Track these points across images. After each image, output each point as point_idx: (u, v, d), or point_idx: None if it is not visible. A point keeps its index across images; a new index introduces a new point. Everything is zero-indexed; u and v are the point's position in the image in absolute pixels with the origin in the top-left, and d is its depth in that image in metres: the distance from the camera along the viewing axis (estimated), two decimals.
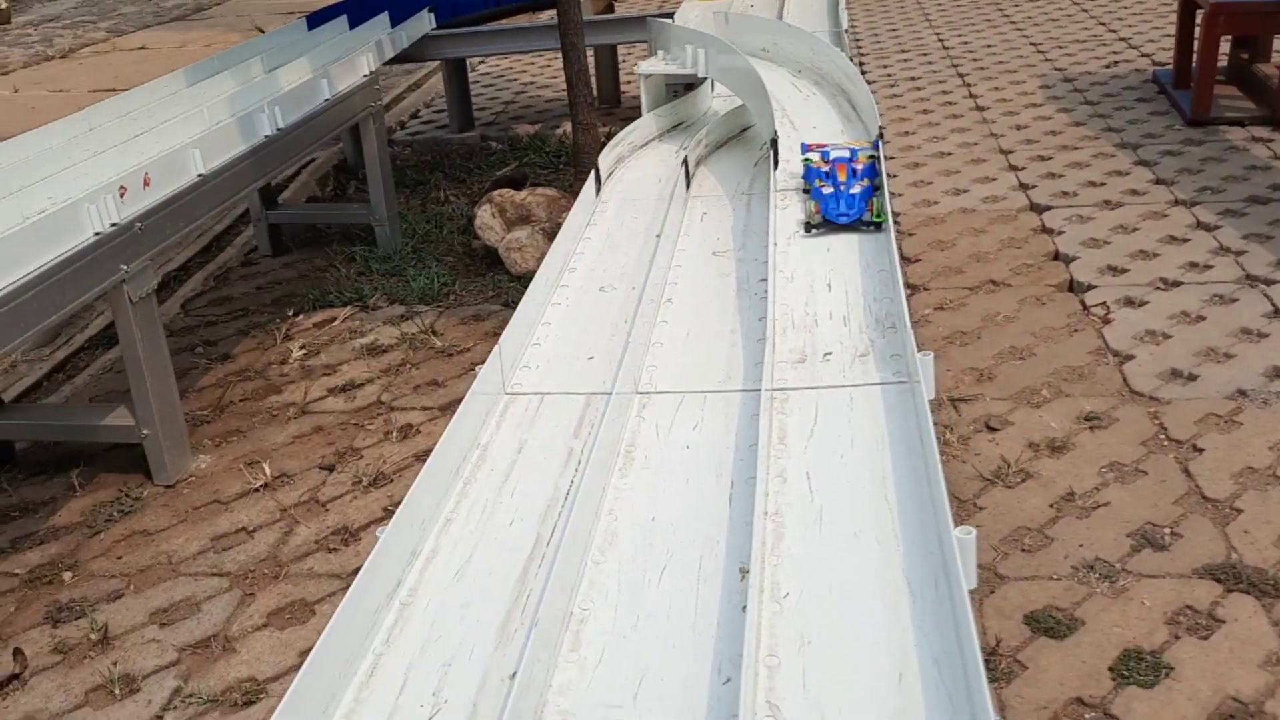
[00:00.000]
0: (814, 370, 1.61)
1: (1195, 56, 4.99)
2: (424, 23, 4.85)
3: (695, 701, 1.05)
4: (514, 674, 1.09)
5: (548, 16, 7.20)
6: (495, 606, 1.20)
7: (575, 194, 4.34)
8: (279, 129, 3.40)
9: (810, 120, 2.42)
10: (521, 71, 7.17)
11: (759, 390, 1.57)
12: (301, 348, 3.59)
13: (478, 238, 4.21)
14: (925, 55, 6.72)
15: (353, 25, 4.89)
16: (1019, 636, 2.09)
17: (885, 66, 6.52)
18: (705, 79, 2.98)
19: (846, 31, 3.79)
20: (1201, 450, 2.61)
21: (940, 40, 7.08)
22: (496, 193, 4.20)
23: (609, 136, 5.33)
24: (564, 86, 6.73)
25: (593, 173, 2.41)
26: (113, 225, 2.61)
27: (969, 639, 1.01)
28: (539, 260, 4.05)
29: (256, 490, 2.82)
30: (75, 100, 7.30)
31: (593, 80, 5.03)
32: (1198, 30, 5.02)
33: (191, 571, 2.53)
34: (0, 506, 2.84)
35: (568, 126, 5.80)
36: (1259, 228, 3.81)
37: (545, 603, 1.12)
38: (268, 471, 2.88)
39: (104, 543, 2.66)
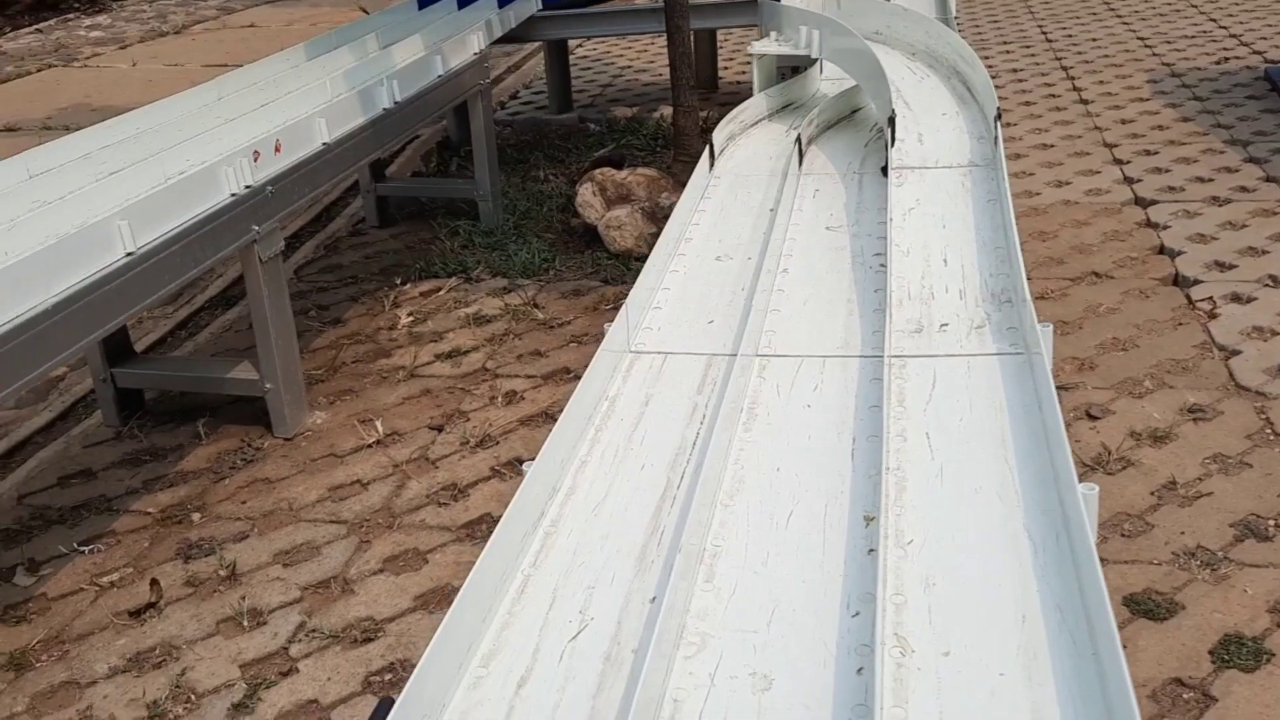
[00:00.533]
0: (931, 339, 1.66)
1: None
2: (531, 4, 4.96)
3: (826, 631, 1.11)
4: (654, 598, 1.17)
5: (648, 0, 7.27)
6: (632, 539, 1.27)
7: (674, 175, 4.43)
8: (396, 102, 3.52)
9: (925, 101, 2.46)
10: (619, 55, 7.25)
11: (877, 357, 1.62)
12: (409, 315, 3.72)
13: (577, 215, 4.30)
14: (1028, 47, 6.63)
15: (461, 6, 5.02)
16: (1118, 617, 2.10)
17: (986, 57, 6.45)
18: (814, 61, 3.02)
19: (955, 19, 3.79)
20: None
21: (1043, 32, 6.98)
22: (598, 171, 4.29)
23: (707, 120, 5.41)
24: (660, 70, 6.81)
25: (707, 148, 2.47)
26: (246, 188, 2.75)
27: (1095, 586, 1.05)
28: (637, 239, 4.16)
29: (369, 446, 2.95)
30: (189, 75, 7.59)
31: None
32: None
33: (311, 518, 2.66)
34: (133, 450, 3.02)
35: (665, 110, 5.88)
36: None
37: (683, 535, 1.20)
38: (380, 429, 3.01)
39: (228, 488, 2.82)
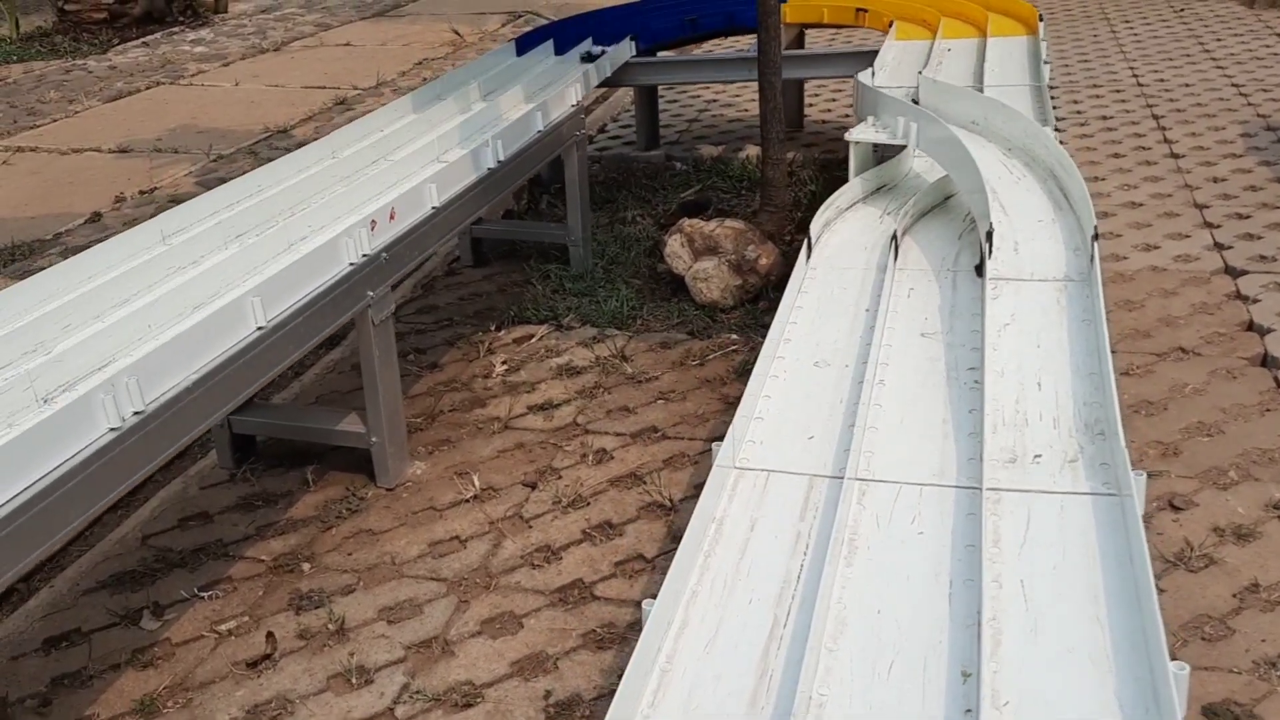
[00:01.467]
0: (1025, 472, 1.74)
1: None
2: (625, 50, 5.08)
3: None
4: None
5: (746, 42, 7.37)
6: (742, 681, 1.38)
7: (760, 226, 4.52)
8: (500, 161, 3.67)
9: (1020, 204, 2.52)
10: (705, 88, 7.34)
11: (973, 488, 1.70)
12: (503, 363, 3.87)
13: (664, 262, 4.41)
14: (1118, 91, 6.59)
15: (558, 50, 5.17)
16: None
17: (1075, 102, 6.43)
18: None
19: (1051, 87, 3.82)
20: None
21: (1134, 75, 6.92)
22: (686, 223, 4.39)
23: (793, 163, 5.48)
24: (745, 106, 6.90)
25: (805, 240, 2.57)
26: (364, 256, 2.91)
27: None
28: (722, 291, 4.26)
29: (467, 501, 3.10)
30: (289, 96, 7.88)
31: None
32: None
33: (413, 574, 2.81)
34: (246, 494, 3.20)
35: (751, 150, 5.97)
36: None
37: (791, 677, 1.30)
38: (477, 484, 3.16)
39: (335, 538, 2.98)
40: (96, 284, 2.64)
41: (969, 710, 1.30)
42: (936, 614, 1.47)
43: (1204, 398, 3.32)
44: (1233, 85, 6.55)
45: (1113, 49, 7.63)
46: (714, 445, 1.81)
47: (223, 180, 6.04)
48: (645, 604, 1.43)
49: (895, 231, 2.55)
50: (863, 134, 3.05)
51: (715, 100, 7.07)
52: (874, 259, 2.57)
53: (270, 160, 6.17)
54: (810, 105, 6.70)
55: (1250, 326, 3.72)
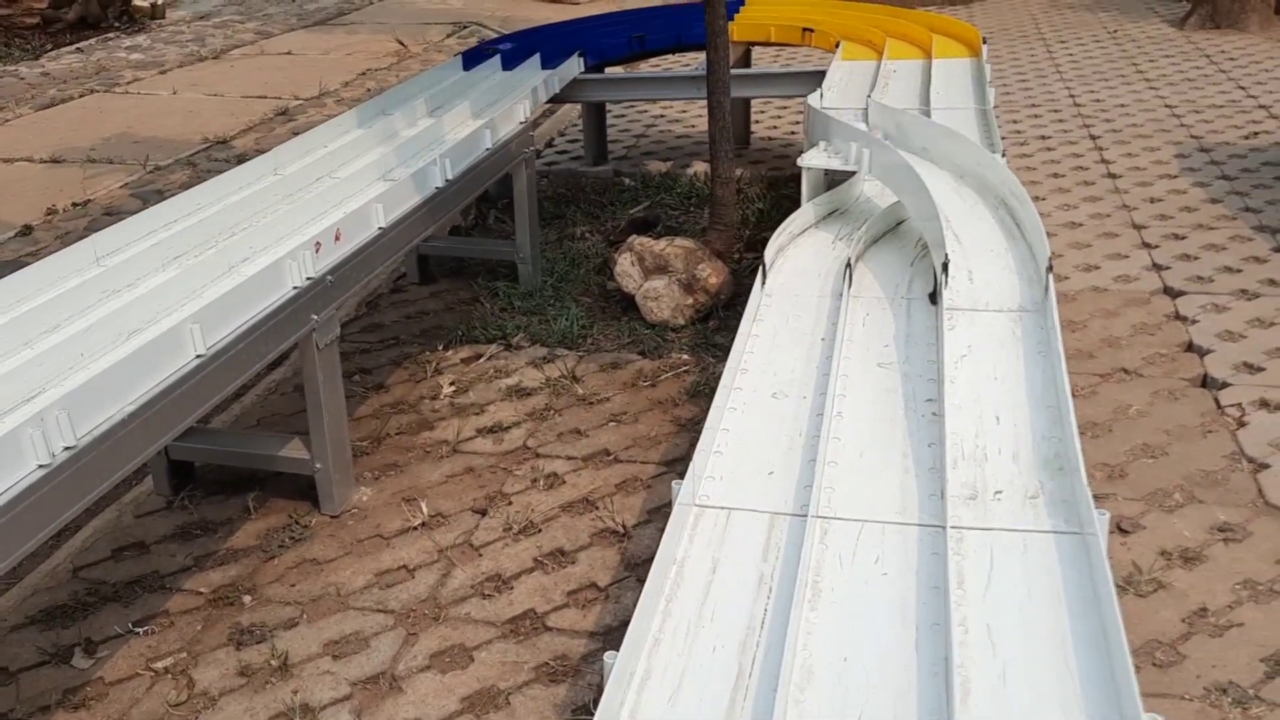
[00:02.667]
0: (986, 509, 1.73)
1: None
2: (573, 67, 5.04)
3: None
4: None
5: (692, 58, 7.37)
6: None
7: (710, 244, 4.50)
8: (447, 180, 3.61)
9: (973, 232, 2.53)
10: (652, 104, 7.33)
11: (935, 526, 1.69)
12: (451, 384, 3.80)
13: (614, 280, 4.38)
14: (1056, 111, 6.70)
15: (506, 66, 5.11)
16: None
17: (1014, 122, 6.53)
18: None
19: (996, 109, 3.86)
20: None
21: (1071, 95, 7.05)
22: (637, 241, 4.36)
23: (741, 180, 5.49)
24: (693, 122, 6.90)
25: (760, 267, 2.55)
26: (308, 279, 2.83)
27: None
28: (673, 310, 4.23)
29: (415, 529, 3.02)
30: (228, 105, 7.72)
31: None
32: None
33: (359, 606, 2.74)
34: (184, 523, 3.10)
35: (698, 166, 5.97)
36: None
37: None
38: (425, 510, 3.09)
39: (278, 568, 2.89)
40: (26, 308, 2.54)
41: None
42: (904, 660, 1.45)
43: (1147, 419, 3.36)
44: (1166, 106, 6.70)
45: (1050, 69, 7.77)
46: (674, 484, 1.77)
47: (159, 192, 5.89)
48: (607, 657, 1.38)
49: (849, 258, 2.54)
50: (815, 159, 3.05)
51: (663, 115, 7.07)
52: (828, 286, 2.56)
53: (209, 172, 6.03)
54: (757, 122, 6.73)
55: (1190, 347, 3.78)
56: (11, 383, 2.19)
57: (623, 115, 7.08)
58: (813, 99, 3.63)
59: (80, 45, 9.74)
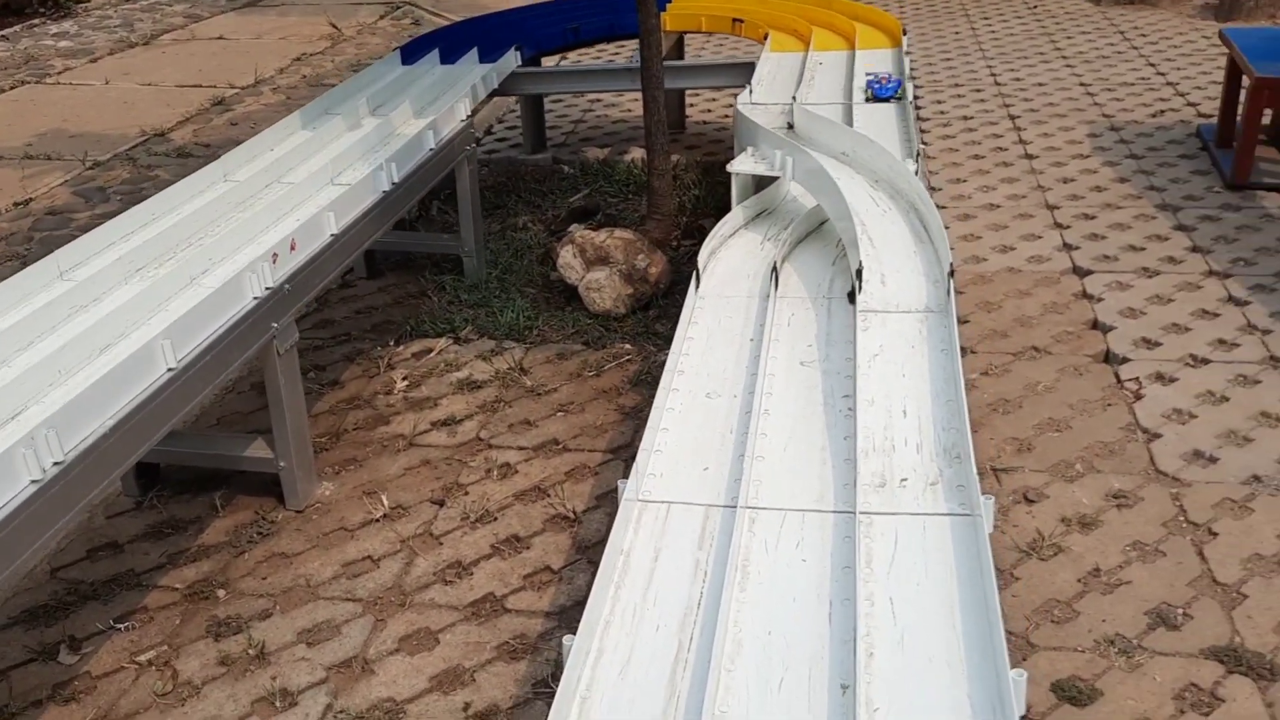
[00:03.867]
0: (893, 495, 1.97)
1: (1239, 121, 5.25)
2: (511, 61, 5.19)
3: None
4: None
5: (622, 48, 7.51)
6: (654, 703, 1.57)
7: (648, 234, 4.70)
8: (394, 183, 3.76)
9: (886, 235, 2.76)
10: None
11: (849, 513, 1.93)
12: (404, 379, 3.98)
13: (557, 271, 4.57)
14: (978, 90, 6.98)
15: (444, 59, 5.24)
16: (1046, 703, 2.45)
17: (939, 102, 6.80)
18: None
19: (913, 101, 4.10)
20: (1216, 535, 2.95)
21: (993, 74, 7.34)
22: (578, 234, 4.55)
23: (677, 166, 5.68)
24: (629, 106, 7.07)
25: (695, 272, 2.76)
26: (267, 289, 2.99)
27: None
28: (615, 300, 4.44)
29: (377, 520, 3.21)
30: (164, 96, 7.72)
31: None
32: (1243, 94, 5.29)
33: (329, 595, 2.93)
34: (154, 522, 3.25)
35: (635, 153, 6.16)
36: None
37: (697, 697, 1.50)
38: (385, 503, 3.28)
39: (248, 563, 3.07)
40: (3, 328, 2.67)
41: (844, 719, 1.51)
42: (819, 632, 1.69)
43: (1054, 395, 3.65)
44: (1081, 84, 7.02)
45: (972, 47, 8.05)
46: (620, 482, 1.99)
47: (101, 189, 5.94)
48: (565, 639, 1.60)
49: (775, 261, 2.76)
50: (742, 165, 3.26)
51: (599, 101, 7.22)
52: (756, 287, 2.79)
53: (149, 167, 6.08)
54: (691, 106, 6.92)
55: (1095, 325, 4.08)
56: (7, 396, 2.33)
57: (559, 101, 7.22)
58: (742, 104, 3.84)
59: (5, 33, 9.60)
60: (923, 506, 1.93)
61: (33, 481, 2.17)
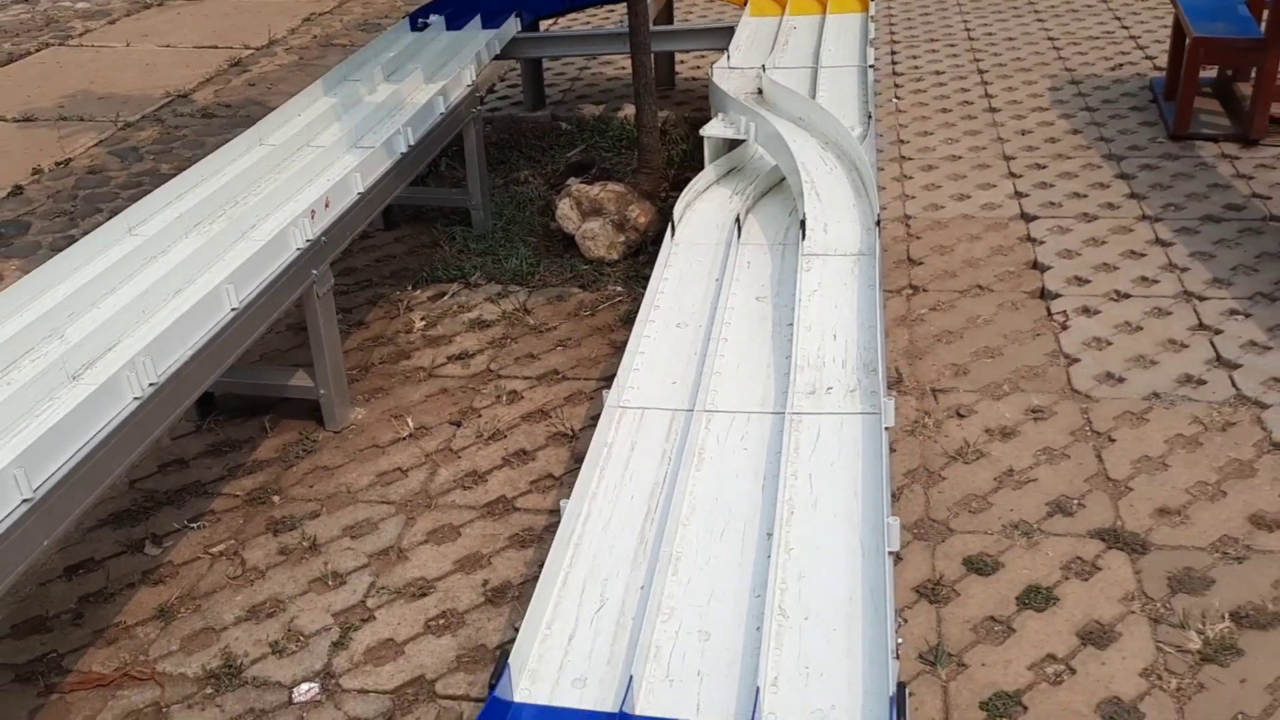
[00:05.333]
0: (820, 400, 2.50)
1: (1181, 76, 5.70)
2: (512, 27, 5.64)
3: (739, 606, 1.96)
4: (642, 586, 2.01)
5: (621, 11, 7.90)
6: (628, 548, 2.11)
7: (638, 187, 5.19)
8: (410, 146, 4.26)
9: (831, 190, 3.27)
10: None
11: (782, 414, 2.47)
12: (422, 319, 4.50)
13: (555, 222, 5.07)
14: (952, 45, 7.41)
15: (450, 25, 5.69)
16: (957, 574, 3.00)
17: (914, 57, 7.23)
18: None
19: (872, 67, 4.56)
20: (1114, 440, 3.49)
21: (967, 29, 7.75)
22: (574, 187, 5.05)
23: (666, 122, 6.15)
24: (623, 64, 7.50)
25: (670, 223, 3.27)
26: (308, 241, 3.50)
27: (888, 581, 1.92)
28: (607, 247, 4.95)
29: (404, 439, 3.76)
30: (183, 57, 8.15)
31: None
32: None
33: (366, 500, 3.48)
34: (213, 442, 3.80)
35: (628, 109, 6.61)
36: (1205, 246, 4.62)
37: (659, 546, 2.04)
38: (410, 424, 3.82)
39: (296, 474, 3.62)
40: (88, 277, 3.19)
41: (769, 555, 2.06)
42: (754, 499, 2.22)
43: (991, 326, 4.17)
44: (1049, 38, 7.44)
45: (951, 2, 8.44)
46: (604, 392, 2.52)
47: (134, 149, 6.43)
48: (561, 503, 2.14)
49: (738, 214, 3.27)
50: (713, 129, 3.75)
51: (594, 59, 7.65)
52: (723, 236, 3.29)
53: (177, 127, 6.58)
54: (681, 63, 7.35)
55: (1035, 265, 4.59)
56: (95, 338, 2.86)
57: (557, 59, 7.65)
58: (718, 72, 4.31)
59: None
60: (841, 408, 2.46)
61: (135, 399, 2.71)
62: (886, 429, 2.29)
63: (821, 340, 2.67)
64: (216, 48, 8.34)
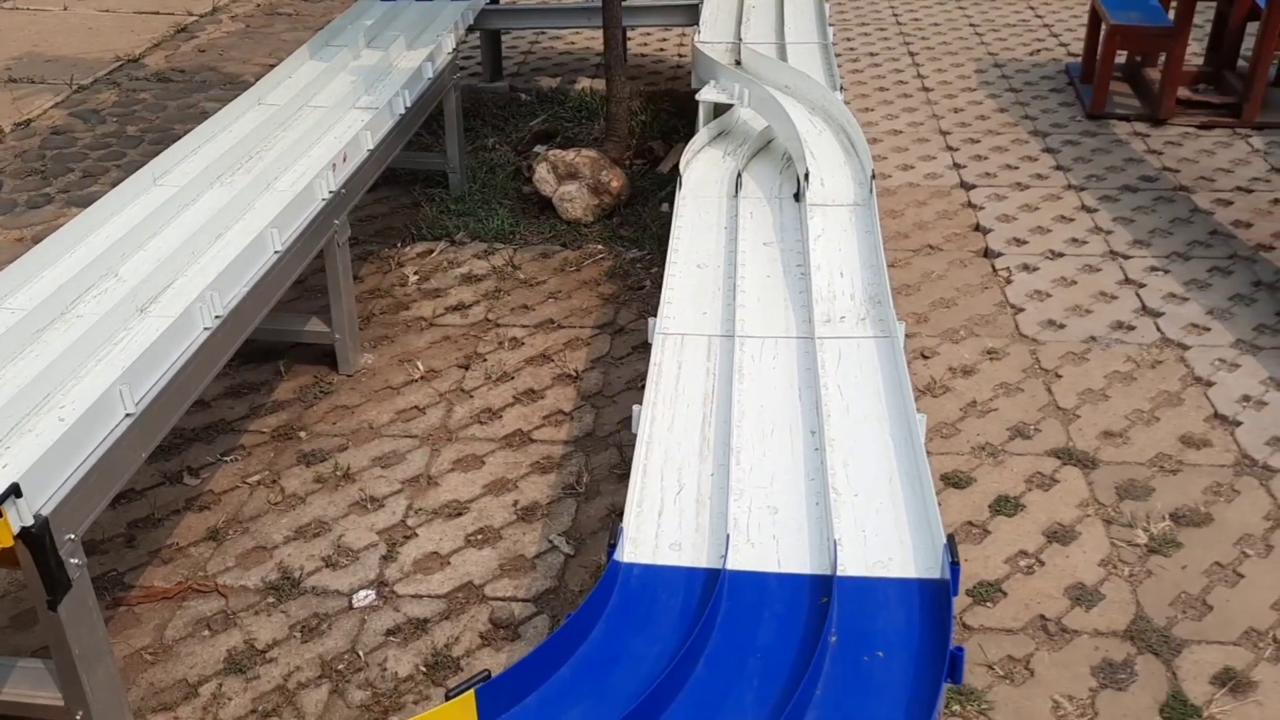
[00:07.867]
0: (836, 327, 2.86)
1: (1098, 61, 6.25)
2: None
3: (797, 487, 2.31)
4: (713, 473, 2.34)
5: None
6: (692, 444, 2.44)
7: (609, 154, 5.49)
8: (408, 107, 4.48)
9: (824, 150, 3.63)
10: None
11: (807, 338, 2.82)
12: (415, 273, 4.73)
13: (530, 185, 5.34)
14: (883, 30, 7.88)
15: None
16: (937, 487, 3.40)
17: (848, 40, 7.67)
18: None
19: (834, 44, 4.95)
20: (1061, 376, 3.95)
21: (895, 14, 8.23)
22: (551, 153, 5.32)
23: (628, 94, 6.44)
24: (573, 39, 7.77)
25: (678, 178, 3.59)
26: (331, 192, 3.72)
27: (924, 465, 2.29)
28: (584, 209, 5.25)
29: (416, 381, 4.01)
30: (125, 22, 8.11)
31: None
32: (1101, 37, 6.28)
33: (390, 434, 3.73)
34: (231, 385, 3.99)
35: (585, 82, 6.89)
36: (1125, 212, 5.15)
37: (720, 441, 2.38)
38: (420, 368, 4.07)
39: (318, 413, 3.84)
40: (132, 222, 3.36)
41: (817, 449, 2.41)
42: (793, 406, 2.57)
43: (944, 281, 4.61)
44: (971, 25, 7.96)
45: None
46: (650, 320, 2.84)
47: (95, 111, 6.45)
48: (634, 408, 2.45)
49: (738, 170, 3.61)
50: (708, 95, 4.08)
51: (544, 33, 7.89)
52: (725, 190, 3.63)
53: (134, 91, 6.62)
54: (630, 39, 7.64)
55: (977, 228, 5.05)
56: (155, 276, 3.05)
57: (525, 31, 7.86)
58: (701, 43, 4.64)
59: None
60: (857, 332, 2.83)
61: (205, 329, 2.91)
62: (901, 344, 2.66)
63: (831, 278, 3.03)
64: (159, 13, 8.30)
